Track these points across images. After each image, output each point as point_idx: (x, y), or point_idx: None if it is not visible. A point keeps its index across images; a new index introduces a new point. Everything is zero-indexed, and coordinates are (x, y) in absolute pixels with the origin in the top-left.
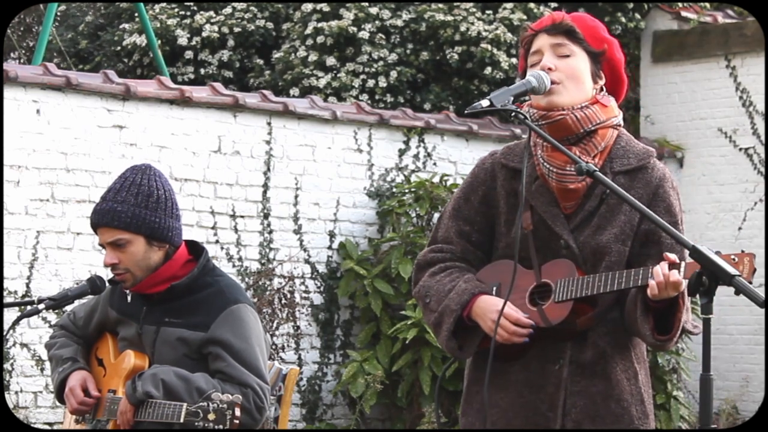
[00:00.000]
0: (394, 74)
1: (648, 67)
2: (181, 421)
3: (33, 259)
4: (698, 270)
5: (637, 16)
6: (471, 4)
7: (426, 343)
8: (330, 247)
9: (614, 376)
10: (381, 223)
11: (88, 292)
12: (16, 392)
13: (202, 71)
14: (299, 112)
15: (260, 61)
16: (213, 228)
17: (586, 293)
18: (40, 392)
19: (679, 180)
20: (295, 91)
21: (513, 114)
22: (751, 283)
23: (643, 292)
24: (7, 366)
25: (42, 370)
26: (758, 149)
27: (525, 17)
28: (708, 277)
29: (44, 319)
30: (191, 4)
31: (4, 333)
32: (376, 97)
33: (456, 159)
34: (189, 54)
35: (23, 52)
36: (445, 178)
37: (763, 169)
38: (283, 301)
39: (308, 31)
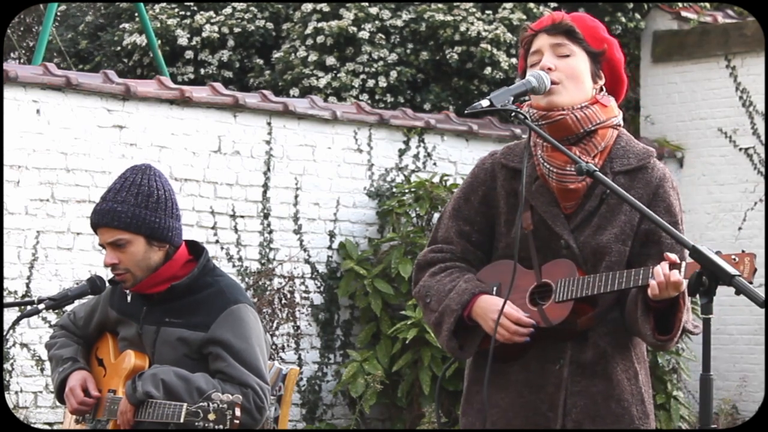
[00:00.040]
0: (394, 74)
1: (648, 67)
2: (182, 421)
3: (33, 259)
4: (698, 270)
5: (637, 16)
6: (471, 4)
7: (426, 343)
8: (330, 247)
9: (615, 376)
10: (381, 223)
11: (88, 292)
12: (16, 392)
13: (202, 71)
14: (299, 112)
15: (260, 61)
16: (213, 228)
17: (587, 293)
18: (40, 392)
19: (679, 180)
20: (295, 91)
21: (513, 114)
22: (751, 283)
23: (644, 292)
24: (7, 366)
25: (42, 370)
26: (758, 149)
27: (525, 17)
28: (708, 277)
29: (44, 319)
30: (191, 4)
31: (4, 333)
32: (376, 97)
33: (456, 159)
34: (189, 54)
35: (23, 52)
36: (445, 178)
37: (763, 169)
38: (283, 301)
39: (308, 31)
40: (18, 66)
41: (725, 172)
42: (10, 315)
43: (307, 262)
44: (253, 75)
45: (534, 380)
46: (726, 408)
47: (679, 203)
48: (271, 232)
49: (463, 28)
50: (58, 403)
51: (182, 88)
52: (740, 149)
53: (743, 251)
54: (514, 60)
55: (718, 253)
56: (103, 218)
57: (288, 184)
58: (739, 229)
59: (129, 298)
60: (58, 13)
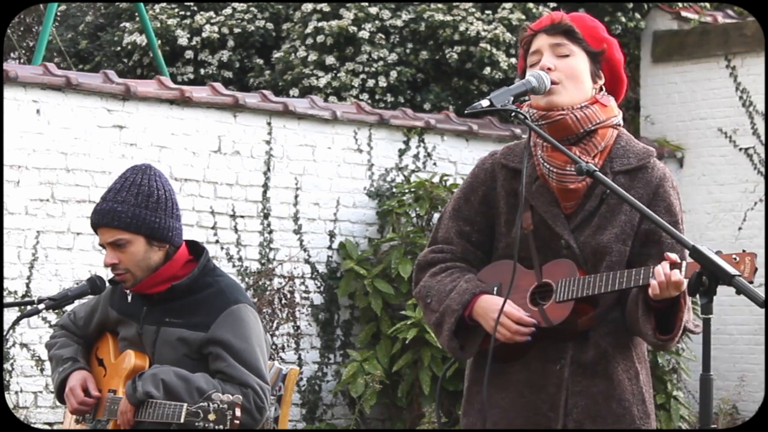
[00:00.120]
0: (394, 74)
1: (648, 67)
2: (182, 421)
3: (33, 259)
4: (698, 270)
5: (637, 16)
6: (470, 4)
7: (426, 343)
8: (330, 247)
9: (616, 376)
10: (381, 223)
11: (88, 292)
12: (16, 392)
13: (202, 71)
14: (299, 112)
15: (260, 61)
16: (213, 228)
17: (587, 293)
18: (40, 392)
19: (679, 180)
20: (295, 91)
21: (513, 114)
22: (752, 282)
23: (645, 291)
24: (7, 366)
25: (42, 370)
26: (758, 149)
27: (524, 17)
28: (708, 277)
29: (44, 319)
30: (191, 4)
31: (4, 333)
32: (376, 96)
33: (456, 159)
34: (189, 54)
35: (23, 52)
36: (445, 178)
37: (763, 169)
38: (283, 301)
39: (308, 30)
40: (18, 66)
41: (725, 172)
42: (10, 315)
43: (307, 262)
44: (253, 75)
45: (535, 380)
46: (726, 408)
47: (679, 203)
48: (271, 232)
49: (462, 28)
50: (58, 403)
51: (182, 88)
52: (740, 149)
53: (744, 251)
54: (513, 60)
55: (718, 252)
56: (103, 218)
57: (288, 184)
58: (739, 229)
59: (129, 298)
60: (58, 13)
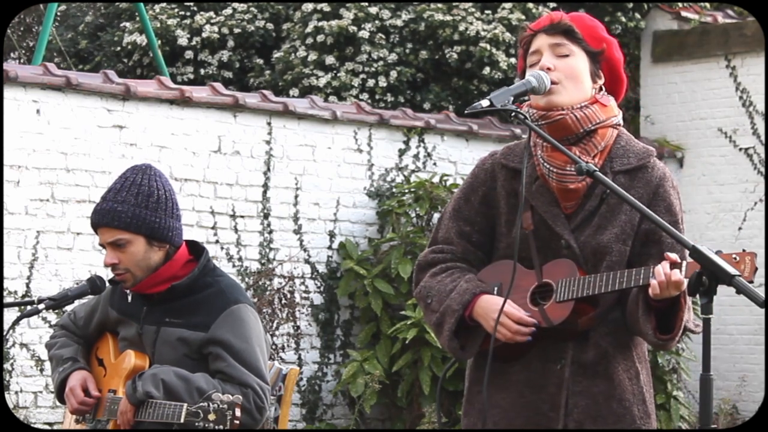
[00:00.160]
0: (394, 74)
1: (648, 67)
2: (182, 421)
3: (33, 259)
4: (698, 270)
5: (637, 16)
6: (470, 4)
7: (426, 343)
8: (330, 247)
9: (616, 376)
10: (381, 223)
11: (88, 292)
12: (16, 392)
13: (202, 71)
14: (299, 112)
15: (260, 61)
16: (213, 228)
17: (588, 293)
18: (40, 392)
19: (679, 180)
20: (295, 90)
21: (513, 114)
22: (752, 282)
23: (645, 291)
24: (7, 366)
25: (42, 370)
26: (758, 149)
27: (524, 17)
28: (708, 277)
29: (44, 319)
30: (191, 4)
31: (4, 333)
32: (376, 96)
33: (456, 159)
34: (189, 54)
35: (23, 52)
36: (445, 178)
37: (763, 169)
38: (283, 301)
39: (308, 30)
40: (18, 66)
41: (725, 172)
42: (10, 315)
43: (307, 262)
44: (253, 75)
45: (535, 380)
46: (726, 408)
47: (679, 202)
48: (271, 232)
49: (462, 28)
50: (58, 403)
51: (182, 88)
52: (740, 149)
53: (744, 250)
54: (513, 60)
55: (718, 252)
56: (103, 218)
57: (288, 184)
58: (739, 229)
59: (129, 298)
60: (58, 13)
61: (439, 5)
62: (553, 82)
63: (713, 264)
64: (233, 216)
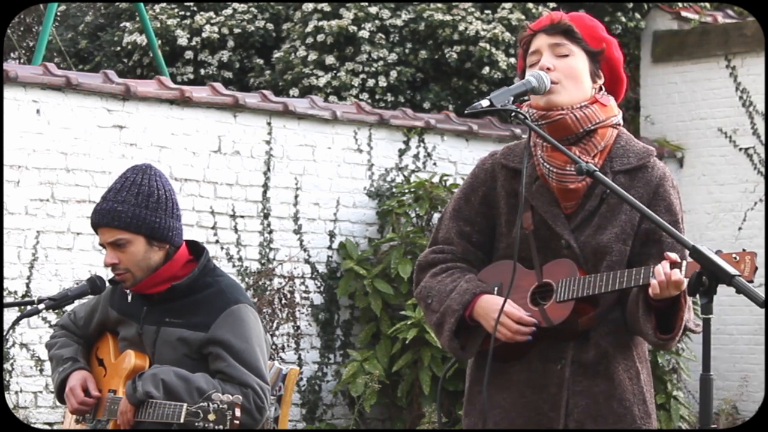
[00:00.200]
0: (394, 74)
1: (648, 67)
2: (182, 421)
3: (33, 259)
4: (698, 270)
5: (637, 16)
6: (470, 3)
7: (426, 343)
8: (330, 247)
9: (616, 376)
10: (381, 223)
11: (88, 292)
12: (16, 392)
13: (202, 72)
14: (299, 112)
15: (260, 61)
16: (213, 228)
17: (588, 293)
18: (40, 392)
19: (679, 180)
20: (295, 90)
21: (513, 114)
22: (752, 282)
23: (645, 291)
24: (7, 366)
25: (42, 370)
26: (758, 149)
27: (524, 17)
28: (708, 277)
29: (44, 319)
30: (191, 4)
31: (4, 333)
32: (377, 96)
33: (456, 159)
34: (189, 54)
35: (23, 52)
36: (445, 178)
37: (763, 169)
38: (283, 301)
39: (308, 29)
40: (18, 66)
41: (725, 172)
42: (10, 315)
43: (307, 262)
44: (253, 75)
45: (536, 380)
46: (726, 408)
47: (679, 202)
48: (271, 232)
49: (461, 28)
50: (58, 403)
51: (182, 88)
52: (740, 149)
53: (744, 250)
54: (512, 59)
55: (718, 252)
56: (103, 218)
57: (288, 184)
58: (739, 229)
59: (129, 298)
60: (58, 13)
61: (439, 5)
62: (552, 82)
63: (713, 264)
64: (233, 216)
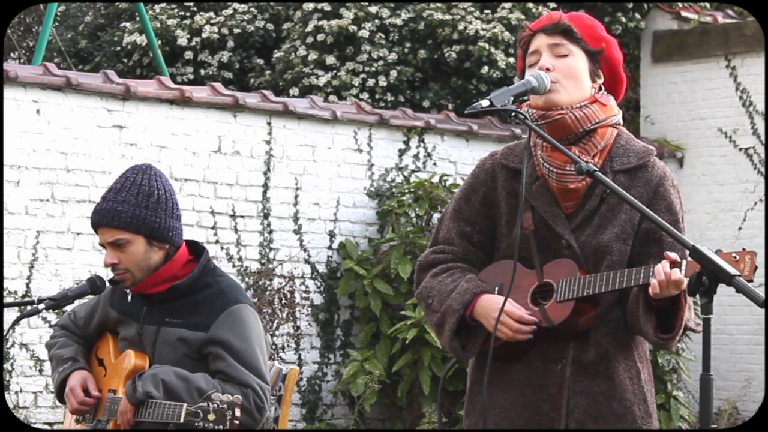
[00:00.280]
0: (394, 73)
1: (648, 67)
2: (181, 421)
3: (33, 259)
4: (698, 270)
5: (637, 16)
6: (469, 3)
7: (426, 343)
8: (330, 247)
9: (617, 375)
10: (381, 223)
11: (88, 292)
12: (16, 392)
13: (202, 72)
14: (299, 112)
15: (260, 61)
16: (213, 228)
17: (588, 293)
18: (40, 392)
19: (679, 180)
20: (295, 90)
21: (513, 114)
22: (751, 281)
23: (645, 290)
24: (7, 366)
25: (41, 370)
26: (758, 149)
27: (523, 17)
28: (708, 277)
29: (44, 319)
30: (191, 4)
31: (4, 333)
32: (377, 96)
33: (456, 159)
34: (189, 54)
35: (23, 52)
36: (445, 178)
37: (763, 169)
38: (283, 301)
39: (308, 29)
40: (18, 66)
41: (725, 172)
42: (10, 315)
43: (307, 262)
44: (253, 75)
45: (536, 380)
46: (727, 408)
47: (679, 201)
48: (271, 232)
49: (461, 27)
50: (58, 403)
51: (182, 88)
52: (740, 149)
53: (744, 249)
54: (511, 59)
55: (718, 251)
56: (103, 218)
57: (288, 184)
58: (739, 229)
59: (129, 298)
60: (58, 13)
61: (439, 4)
62: (552, 82)
63: (713, 264)
64: (233, 216)
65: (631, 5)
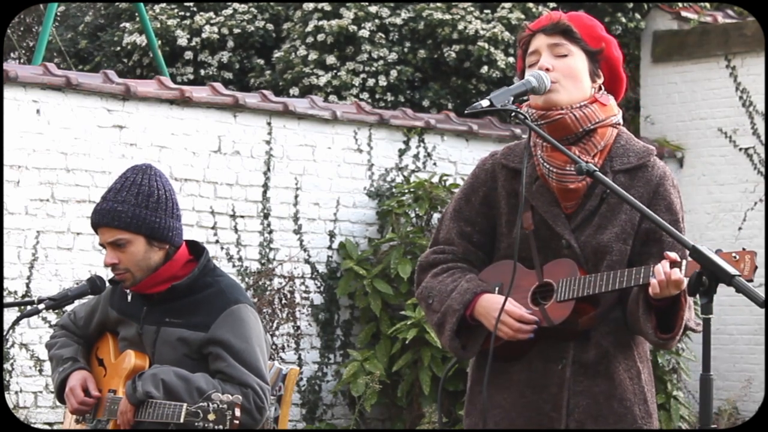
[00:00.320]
0: (394, 73)
1: (648, 67)
2: (181, 421)
3: (33, 259)
4: (698, 270)
5: (637, 16)
6: (469, 3)
7: (426, 343)
8: (330, 247)
9: (617, 375)
10: (381, 223)
11: (88, 292)
12: (16, 392)
13: (202, 72)
14: (299, 112)
15: (260, 61)
16: (213, 228)
17: (588, 292)
18: (40, 392)
19: (679, 180)
20: (295, 90)
21: (513, 114)
22: (751, 281)
23: (645, 290)
24: (7, 366)
25: (41, 370)
26: (758, 149)
27: (523, 16)
28: (708, 277)
29: (44, 319)
30: (191, 4)
31: (4, 333)
32: (377, 95)
33: (456, 159)
34: (188, 55)
35: (23, 52)
36: (444, 178)
37: (763, 169)
38: (283, 301)
39: (308, 29)
40: (18, 66)
41: (725, 172)
42: (10, 315)
43: (307, 262)
44: (253, 75)
45: (536, 380)
46: (727, 408)
47: (680, 201)
48: (271, 232)
49: (461, 27)
50: (58, 403)
51: (182, 88)
52: (740, 149)
53: (743, 249)
54: (511, 59)
55: (718, 251)
56: (103, 218)
57: (288, 184)
58: (739, 229)
59: (129, 298)
60: (58, 13)
61: (439, 4)
62: (552, 82)
63: (713, 264)
64: (233, 216)
65: (631, 5)
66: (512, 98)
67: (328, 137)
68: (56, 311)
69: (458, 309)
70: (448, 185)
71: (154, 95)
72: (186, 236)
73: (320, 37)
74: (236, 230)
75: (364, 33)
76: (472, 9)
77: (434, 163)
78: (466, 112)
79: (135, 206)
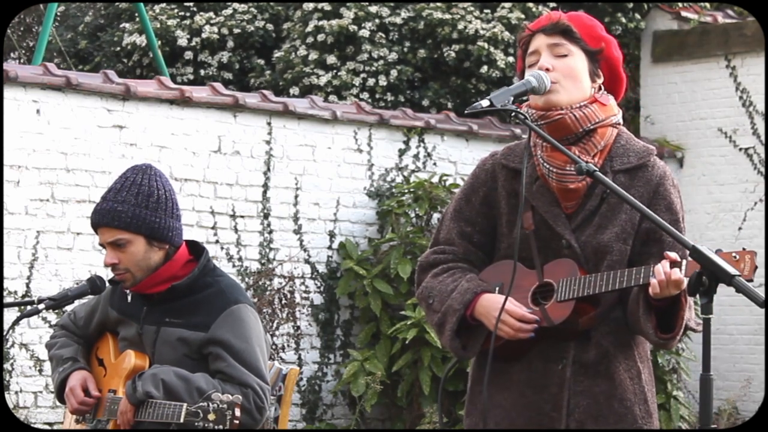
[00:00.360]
0: (394, 73)
1: (648, 67)
2: (181, 421)
3: (33, 259)
4: (698, 270)
5: (637, 16)
6: (469, 2)
7: (426, 343)
8: (330, 247)
9: (617, 375)
10: (381, 223)
11: (88, 292)
12: (16, 392)
13: (202, 72)
14: (299, 112)
15: (260, 61)
16: (213, 228)
17: (588, 292)
18: (40, 392)
19: (679, 180)
20: (295, 89)
21: (513, 114)
22: (751, 281)
23: (645, 290)
24: (7, 366)
25: (41, 370)
26: (758, 149)
27: (523, 16)
28: (708, 277)
29: (44, 319)
30: (191, 4)
31: (4, 333)
32: (377, 95)
33: (456, 159)
34: (188, 55)
35: (23, 52)
36: (444, 178)
37: (763, 169)
38: (283, 301)
39: (309, 29)
40: (18, 66)
41: (725, 172)
42: (10, 315)
43: (307, 262)
44: (253, 75)
45: (537, 380)
46: (727, 408)
47: (680, 201)
48: (271, 232)
49: (461, 27)
50: (58, 403)
51: (182, 88)
52: (740, 149)
53: (744, 249)
54: (510, 59)
55: (718, 251)
56: (103, 218)
57: (288, 184)
58: (739, 229)
59: (129, 298)
60: (58, 13)
61: (438, 4)
62: (551, 82)
63: (713, 264)
64: (233, 216)
65: (631, 5)
66: (512, 98)
67: (328, 137)
68: (56, 311)
69: (459, 309)
70: (448, 185)
71: (154, 95)
72: (186, 236)
73: (320, 37)
74: (236, 230)
75: (364, 33)
76: (472, 9)
77: (434, 163)
78: (466, 112)
79: (135, 206)
